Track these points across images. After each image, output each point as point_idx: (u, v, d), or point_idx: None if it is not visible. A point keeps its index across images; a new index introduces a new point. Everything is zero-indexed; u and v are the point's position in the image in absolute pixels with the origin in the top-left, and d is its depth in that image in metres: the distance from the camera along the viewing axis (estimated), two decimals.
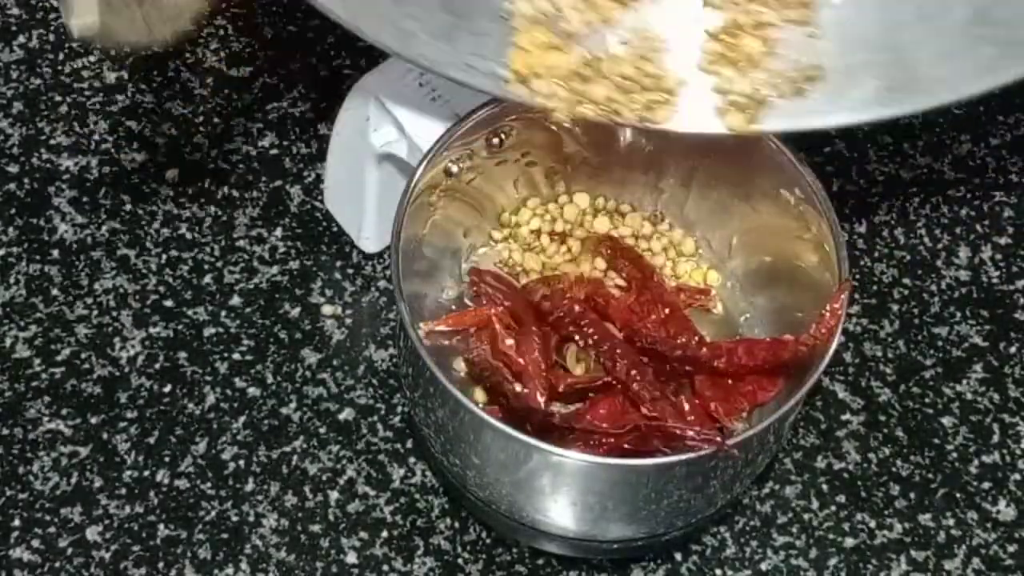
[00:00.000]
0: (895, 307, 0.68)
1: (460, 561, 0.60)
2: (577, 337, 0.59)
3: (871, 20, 0.52)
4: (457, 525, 0.61)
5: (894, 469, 0.64)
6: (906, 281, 0.69)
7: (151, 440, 0.62)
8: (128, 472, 0.62)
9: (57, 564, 0.59)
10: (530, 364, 0.57)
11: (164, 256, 0.67)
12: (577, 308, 0.59)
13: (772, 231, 0.60)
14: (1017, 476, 0.64)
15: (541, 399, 0.57)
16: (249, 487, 0.62)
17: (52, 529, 0.60)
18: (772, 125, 0.53)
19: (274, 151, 0.71)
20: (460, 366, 0.59)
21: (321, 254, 0.68)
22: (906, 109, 0.51)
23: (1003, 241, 0.70)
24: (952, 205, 0.71)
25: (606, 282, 0.61)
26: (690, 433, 0.53)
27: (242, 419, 0.63)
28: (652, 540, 0.59)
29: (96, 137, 0.71)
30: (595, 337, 0.58)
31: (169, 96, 0.72)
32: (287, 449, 0.63)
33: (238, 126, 0.72)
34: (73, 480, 0.61)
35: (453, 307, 0.60)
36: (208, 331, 0.65)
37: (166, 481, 0.61)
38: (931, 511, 0.63)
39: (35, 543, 0.60)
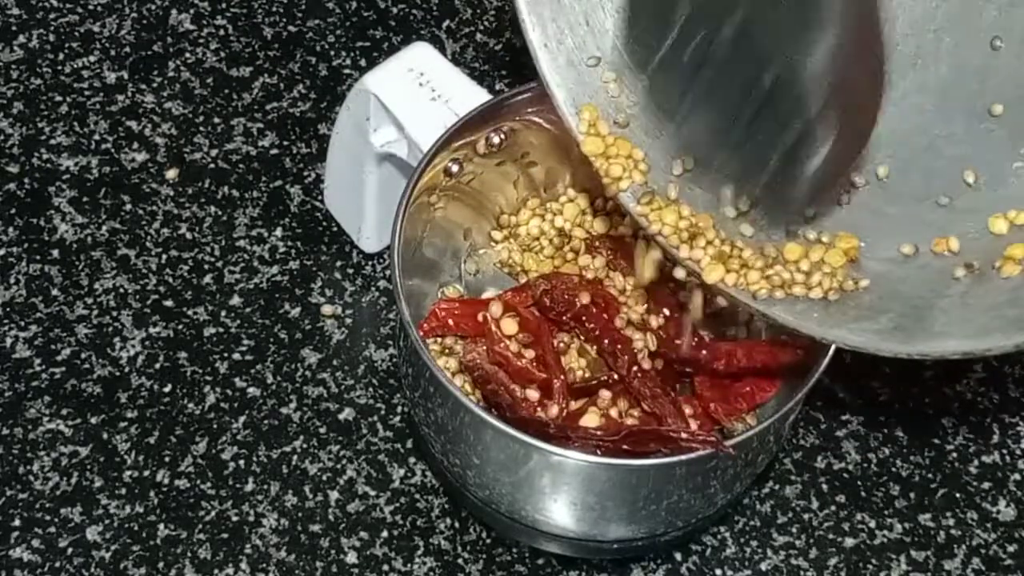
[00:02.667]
0: None
1: (460, 561, 0.60)
2: (578, 332, 0.59)
3: (914, 285, 0.53)
4: (457, 525, 0.61)
5: (894, 469, 0.64)
6: None
7: (151, 440, 0.62)
8: (128, 472, 0.62)
9: (57, 564, 0.59)
10: (556, 381, 0.57)
11: (164, 256, 0.67)
12: (579, 303, 0.59)
13: None
14: (1017, 476, 0.64)
15: (556, 410, 0.57)
16: (249, 487, 0.62)
17: (52, 529, 0.60)
18: (774, 309, 0.53)
19: (274, 151, 0.71)
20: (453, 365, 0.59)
21: (321, 254, 0.68)
22: (899, 349, 0.52)
23: None
24: None
25: (605, 282, 0.61)
26: (684, 435, 0.53)
27: (242, 419, 0.63)
28: (652, 540, 0.59)
29: (96, 137, 0.71)
30: (596, 332, 0.58)
31: (169, 96, 0.72)
32: (287, 449, 0.63)
33: (238, 126, 0.72)
34: (73, 480, 0.61)
35: (456, 307, 0.60)
36: (208, 331, 0.65)
37: (166, 481, 0.61)
38: (931, 511, 0.63)
39: (35, 543, 0.60)
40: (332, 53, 0.74)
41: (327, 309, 0.66)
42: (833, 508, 0.63)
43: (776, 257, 0.54)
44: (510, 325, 0.59)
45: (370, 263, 0.68)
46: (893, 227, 0.55)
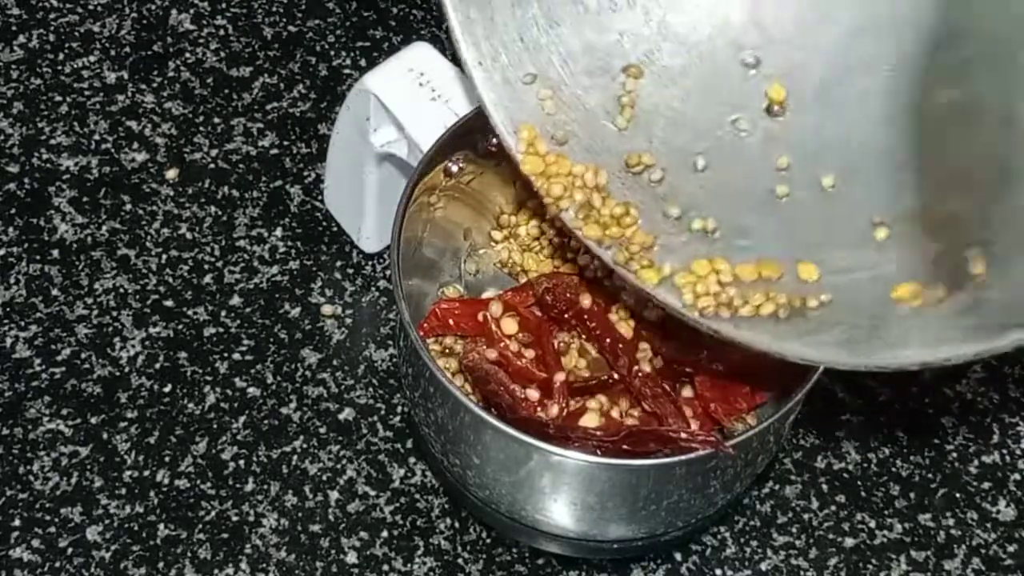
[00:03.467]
0: None
1: (460, 561, 0.60)
2: (579, 331, 0.59)
3: (866, 296, 0.52)
4: (457, 525, 0.61)
5: (894, 469, 0.64)
6: None
7: (151, 440, 0.62)
8: (128, 472, 0.62)
9: (57, 564, 0.59)
10: (556, 381, 0.57)
11: (164, 256, 0.67)
12: (581, 303, 0.59)
13: None
14: (1017, 476, 0.64)
15: (556, 410, 0.57)
16: (249, 487, 0.62)
17: (52, 529, 0.60)
18: (717, 322, 0.53)
19: (274, 151, 0.71)
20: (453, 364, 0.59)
21: (321, 254, 0.68)
22: (854, 362, 0.51)
23: None
24: None
25: (605, 283, 0.61)
26: (683, 435, 0.53)
27: (242, 419, 0.63)
28: (652, 540, 0.59)
29: (96, 137, 0.71)
30: (598, 332, 0.58)
31: (169, 96, 0.72)
32: (287, 449, 0.63)
33: (238, 126, 0.72)
34: (73, 480, 0.61)
35: (456, 307, 0.60)
36: (208, 331, 0.65)
37: (166, 481, 0.61)
38: (931, 511, 0.63)
39: (35, 543, 0.60)
40: (332, 53, 0.74)
41: (327, 309, 0.66)
42: (833, 508, 0.63)
43: (726, 276, 0.54)
44: (510, 325, 0.59)
45: (370, 263, 0.68)
46: (840, 238, 0.54)
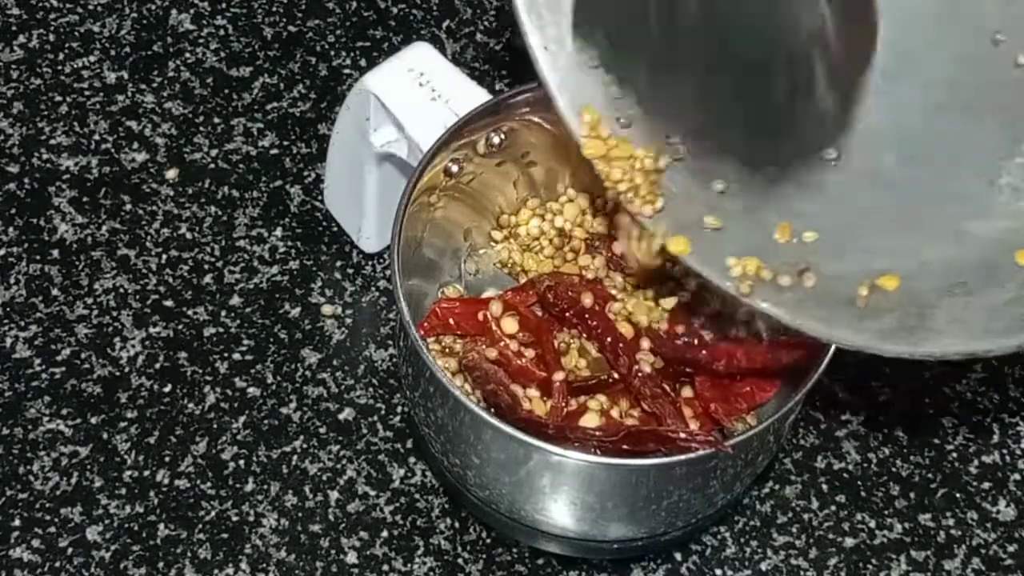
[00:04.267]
0: None
1: (460, 561, 0.60)
2: (580, 329, 0.59)
3: (930, 283, 0.52)
4: (457, 525, 0.61)
5: (894, 469, 0.64)
6: None
7: (151, 440, 0.62)
8: (128, 472, 0.62)
9: (57, 564, 0.59)
10: (556, 381, 0.57)
11: (164, 256, 0.67)
12: (583, 301, 0.59)
13: None
14: (1017, 476, 0.64)
15: (561, 406, 0.57)
16: (249, 487, 0.62)
17: (52, 529, 0.60)
18: (772, 306, 0.53)
19: (274, 151, 0.71)
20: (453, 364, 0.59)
21: (321, 254, 0.68)
22: (901, 350, 0.51)
23: None
24: None
25: (605, 282, 0.61)
26: (682, 435, 0.53)
27: (242, 419, 0.63)
28: (652, 540, 0.59)
29: (96, 137, 0.71)
30: (599, 330, 0.58)
31: (169, 96, 0.72)
32: (287, 449, 0.63)
33: (238, 126, 0.72)
34: (73, 480, 0.61)
35: (456, 306, 0.60)
36: (208, 331, 0.65)
37: (166, 481, 0.61)
38: (931, 511, 0.63)
39: (35, 543, 0.60)
40: (332, 53, 0.74)
41: (327, 309, 0.66)
42: (833, 508, 0.63)
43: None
44: (510, 324, 0.59)
45: (370, 263, 0.68)
46: (896, 225, 0.54)
